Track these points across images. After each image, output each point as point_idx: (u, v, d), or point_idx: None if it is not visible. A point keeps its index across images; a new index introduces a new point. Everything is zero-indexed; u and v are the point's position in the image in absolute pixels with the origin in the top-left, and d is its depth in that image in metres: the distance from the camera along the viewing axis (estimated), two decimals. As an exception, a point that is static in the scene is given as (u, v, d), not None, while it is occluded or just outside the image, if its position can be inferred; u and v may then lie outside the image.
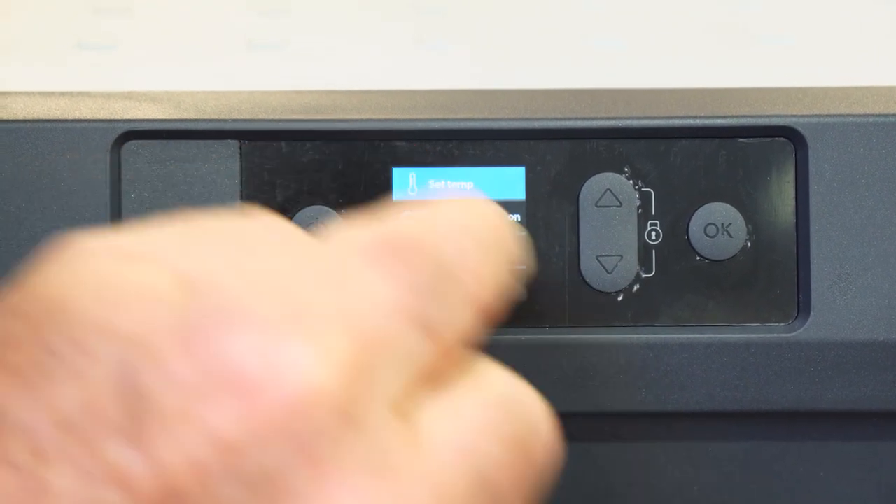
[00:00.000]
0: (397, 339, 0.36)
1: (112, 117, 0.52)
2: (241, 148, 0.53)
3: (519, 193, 0.53)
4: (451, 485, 0.36)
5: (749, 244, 0.53)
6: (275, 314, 0.35)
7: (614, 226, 0.53)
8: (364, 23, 0.69)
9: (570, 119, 0.53)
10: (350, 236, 0.38)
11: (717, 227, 0.53)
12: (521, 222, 0.53)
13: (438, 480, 0.36)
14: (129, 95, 0.56)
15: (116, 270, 0.36)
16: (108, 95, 0.56)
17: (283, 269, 0.37)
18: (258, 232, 0.38)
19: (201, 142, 0.52)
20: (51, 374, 0.34)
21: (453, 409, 0.38)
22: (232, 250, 0.37)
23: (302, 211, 0.52)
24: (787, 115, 0.53)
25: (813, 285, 0.52)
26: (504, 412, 0.38)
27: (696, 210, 0.53)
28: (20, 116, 0.52)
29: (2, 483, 0.33)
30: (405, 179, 0.53)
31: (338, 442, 0.34)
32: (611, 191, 0.53)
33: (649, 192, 0.53)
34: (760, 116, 0.53)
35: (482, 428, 0.37)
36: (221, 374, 0.34)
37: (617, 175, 0.53)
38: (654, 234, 0.53)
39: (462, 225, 0.40)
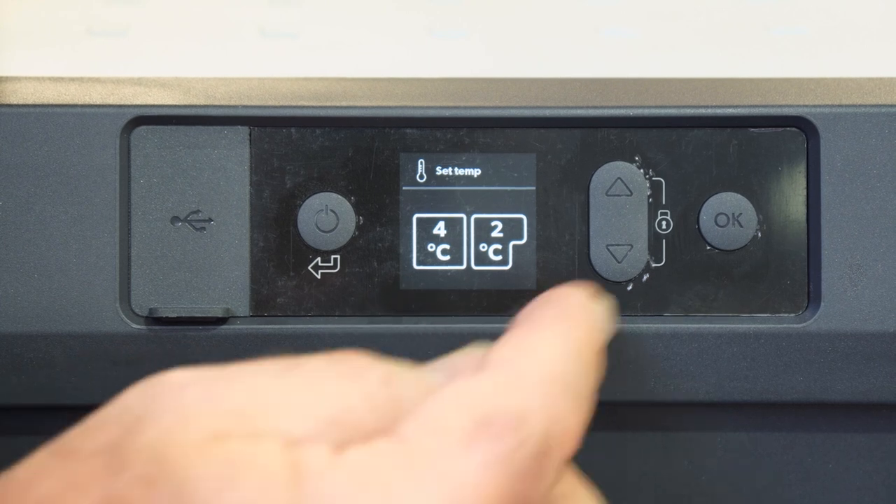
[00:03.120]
0: None
1: (122, 103, 0.52)
2: (250, 134, 0.53)
3: (529, 181, 0.53)
4: None
5: (760, 234, 0.53)
6: None
7: (624, 215, 0.52)
8: (376, 12, 0.69)
9: (580, 107, 0.53)
10: (444, 416, 0.41)
11: (728, 216, 0.52)
12: (530, 210, 0.52)
13: None
14: (138, 81, 0.56)
15: (232, 444, 0.39)
16: (117, 81, 0.56)
17: (385, 458, 0.40)
18: (349, 387, 0.42)
19: (211, 128, 0.52)
20: None
21: None
22: (332, 408, 0.41)
23: (311, 198, 0.52)
24: (798, 105, 0.52)
25: (823, 276, 0.52)
26: None
27: (706, 200, 0.53)
28: (30, 101, 0.52)
29: None
30: (414, 166, 0.52)
31: None
32: (621, 180, 0.53)
33: (660, 181, 0.53)
34: (772, 106, 0.53)
35: None
36: None
37: (628, 164, 0.53)
38: (664, 223, 0.53)
39: (553, 372, 0.43)
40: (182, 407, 0.40)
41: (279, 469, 0.38)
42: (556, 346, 0.44)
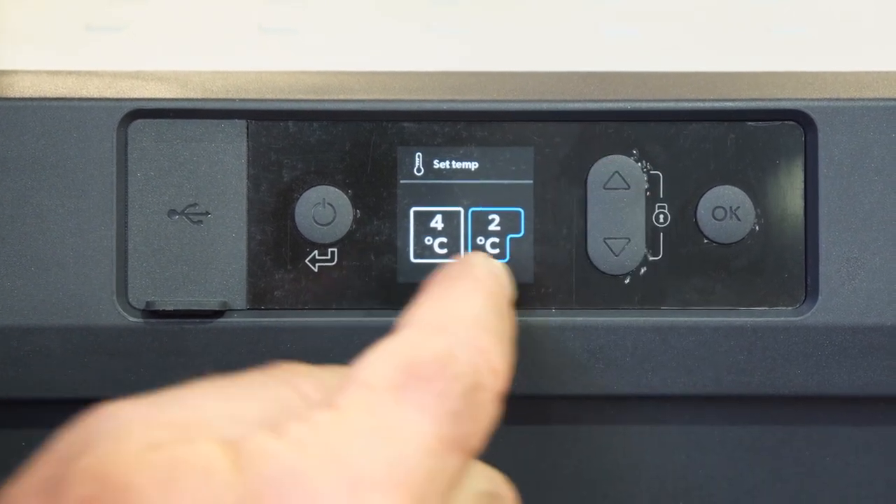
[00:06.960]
0: (443, 471, 0.40)
1: (119, 96, 0.52)
2: (248, 128, 0.53)
3: (527, 175, 0.52)
4: None
5: (757, 228, 0.53)
6: (328, 484, 0.38)
7: (622, 208, 0.52)
8: (374, 7, 0.69)
9: (578, 101, 0.53)
10: (373, 375, 0.41)
11: (726, 210, 0.52)
12: (527, 204, 0.52)
13: None
14: (136, 75, 0.56)
15: (169, 449, 0.38)
16: (115, 74, 0.56)
17: (323, 426, 0.39)
18: (285, 391, 0.42)
19: (208, 121, 0.52)
20: None
21: None
22: (268, 410, 0.40)
23: (308, 191, 0.52)
24: (796, 99, 0.52)
25: (821, 269, 0.52)
26: None
27: (704, 193, 0.53)
28: (28, 95, 0.52)
29: None
30: (412, 160, 0.52)
31: None
32: (619, 173, 0.53)
33: (658, 174, 0.53)
34: (770, 100, 0.53)
35: None
36: None
37: (625, 157, 0.53)
38: (661, 216, 0.53)
39: (472, 316, 0.43)
40: (117, 429, 0.39)
41: (219, 460, 0.38)
42: (470, 296, 0.44)
